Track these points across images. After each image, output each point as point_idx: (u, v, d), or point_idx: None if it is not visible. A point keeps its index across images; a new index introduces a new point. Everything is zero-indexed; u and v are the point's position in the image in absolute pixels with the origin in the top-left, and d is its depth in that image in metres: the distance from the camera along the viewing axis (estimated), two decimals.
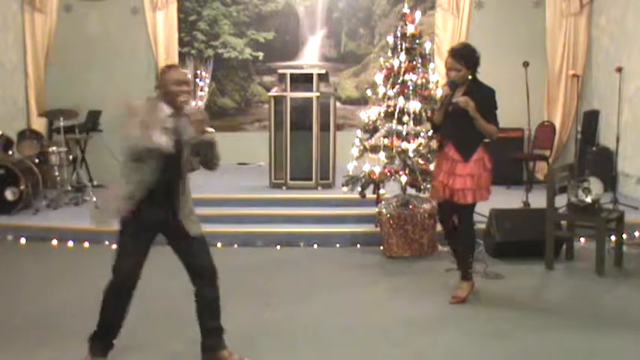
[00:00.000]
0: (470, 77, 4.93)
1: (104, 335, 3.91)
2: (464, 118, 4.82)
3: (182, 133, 3.72)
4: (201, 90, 10.14)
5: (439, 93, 5.98)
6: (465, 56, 4.88)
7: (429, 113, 6.17)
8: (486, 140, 5.05)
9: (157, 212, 3.76)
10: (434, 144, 5.99)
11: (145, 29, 10.00)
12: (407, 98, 6.44)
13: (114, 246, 7.06)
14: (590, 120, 9.31)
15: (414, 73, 6.53)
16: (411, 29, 6.66)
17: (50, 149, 8.29)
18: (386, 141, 6.50)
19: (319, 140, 7.86)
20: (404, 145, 6.41)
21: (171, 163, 3.70)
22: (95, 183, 9.43)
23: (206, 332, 3.93)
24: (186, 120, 3.69)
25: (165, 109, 3.70)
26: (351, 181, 6.66)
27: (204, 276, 3.86)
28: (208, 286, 3.87)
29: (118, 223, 3.81)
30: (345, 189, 6.74)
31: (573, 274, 5.94)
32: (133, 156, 3.65)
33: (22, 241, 7.11)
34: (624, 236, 6.17)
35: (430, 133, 6.24)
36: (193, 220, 3.88)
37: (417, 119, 6.47)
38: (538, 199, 6.98)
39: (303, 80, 7.90)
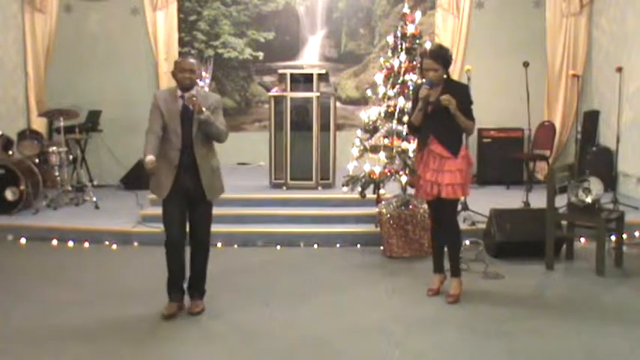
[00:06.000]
0: (445, 76, 5.05)
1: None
2: (446, 115, 4.93)
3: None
4: (201, 89, 10.15)
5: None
6: (442, 56, 5.02)
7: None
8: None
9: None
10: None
11: (145, 29, 9.99)
12: (407, 98, 6.44)
13: (114, 246, 7.13)
14: (590, 120, 9.32)
15: (414, 73, 6.54)
16: (411, 29, 6.67)
17: (50, 149, 8.28)
18: (386, 141, 6.50)
19: (319, 140, 7.85)
20: (404, 145, 6.41)
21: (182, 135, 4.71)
22: (95, 183, 9.44)
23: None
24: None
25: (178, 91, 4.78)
26: (351, 181, 6.65)
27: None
28: None
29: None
30: (345, 189, 6.74)
31: (573, 274, 5.94)
32: None
33: (22, 241, 7.11)
34: (624, 236, 6.18)
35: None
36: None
37: None
38: (538, 199, 6.98)
39: (303, 80, 7.89)
